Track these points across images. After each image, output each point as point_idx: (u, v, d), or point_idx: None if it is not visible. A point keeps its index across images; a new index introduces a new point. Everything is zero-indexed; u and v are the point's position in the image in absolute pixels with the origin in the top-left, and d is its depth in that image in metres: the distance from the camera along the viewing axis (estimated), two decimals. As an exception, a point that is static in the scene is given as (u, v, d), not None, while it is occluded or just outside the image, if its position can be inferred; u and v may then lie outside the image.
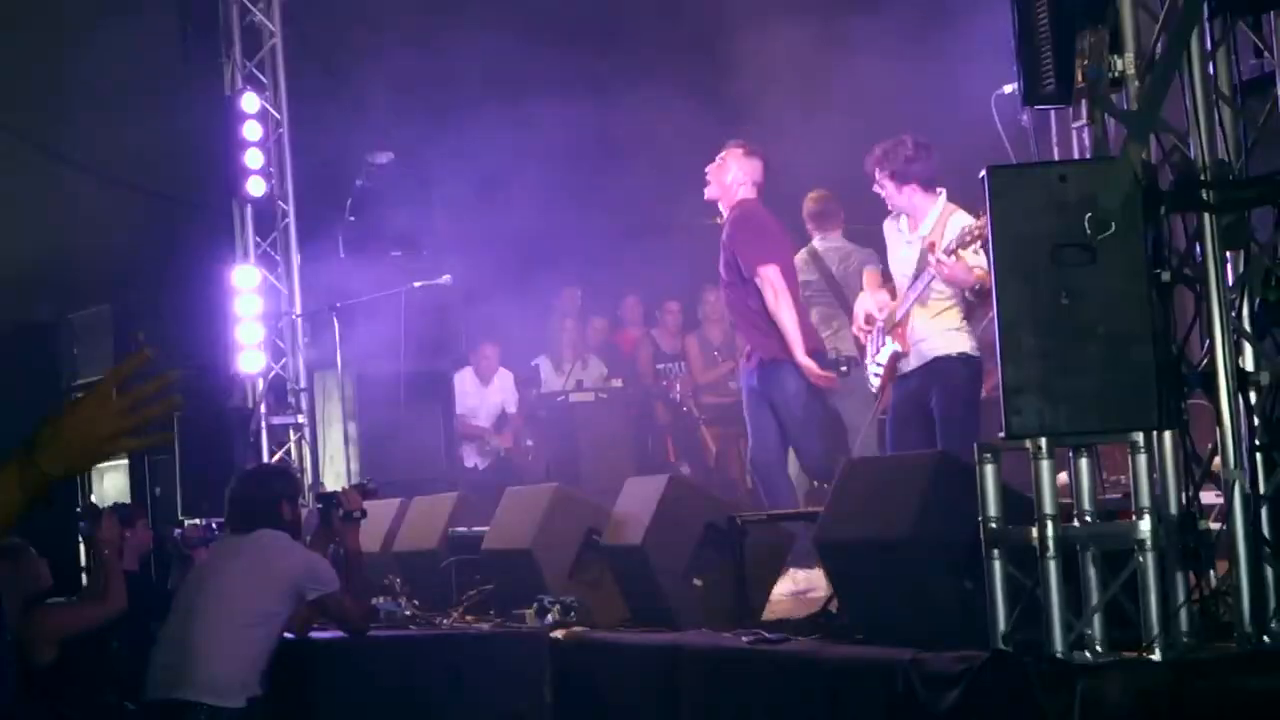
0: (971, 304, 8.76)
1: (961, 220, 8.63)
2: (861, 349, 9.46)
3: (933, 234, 8.74)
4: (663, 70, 13.88)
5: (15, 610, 7.68)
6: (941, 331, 8.80)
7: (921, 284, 8.76)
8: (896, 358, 8.95)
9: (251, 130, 13.06)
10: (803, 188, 11.49)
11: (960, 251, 8.42)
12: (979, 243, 8.17)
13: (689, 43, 13.82)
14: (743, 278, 9.63)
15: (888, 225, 9.16)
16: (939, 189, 8.87)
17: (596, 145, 13.49)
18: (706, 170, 9.89)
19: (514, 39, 13.46)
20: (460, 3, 12.69)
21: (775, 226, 9.85)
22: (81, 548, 13.34)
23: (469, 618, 8.93)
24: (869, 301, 9.24)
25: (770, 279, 9.48)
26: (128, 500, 12.74)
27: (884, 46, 11.56)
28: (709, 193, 9.90)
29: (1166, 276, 5.65)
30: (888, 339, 8.97)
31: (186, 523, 9.48)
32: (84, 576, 13.13)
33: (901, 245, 9.04)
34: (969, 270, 8.51)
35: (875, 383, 9.17)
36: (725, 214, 9.87)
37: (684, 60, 13.92)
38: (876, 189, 8.99)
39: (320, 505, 8.19)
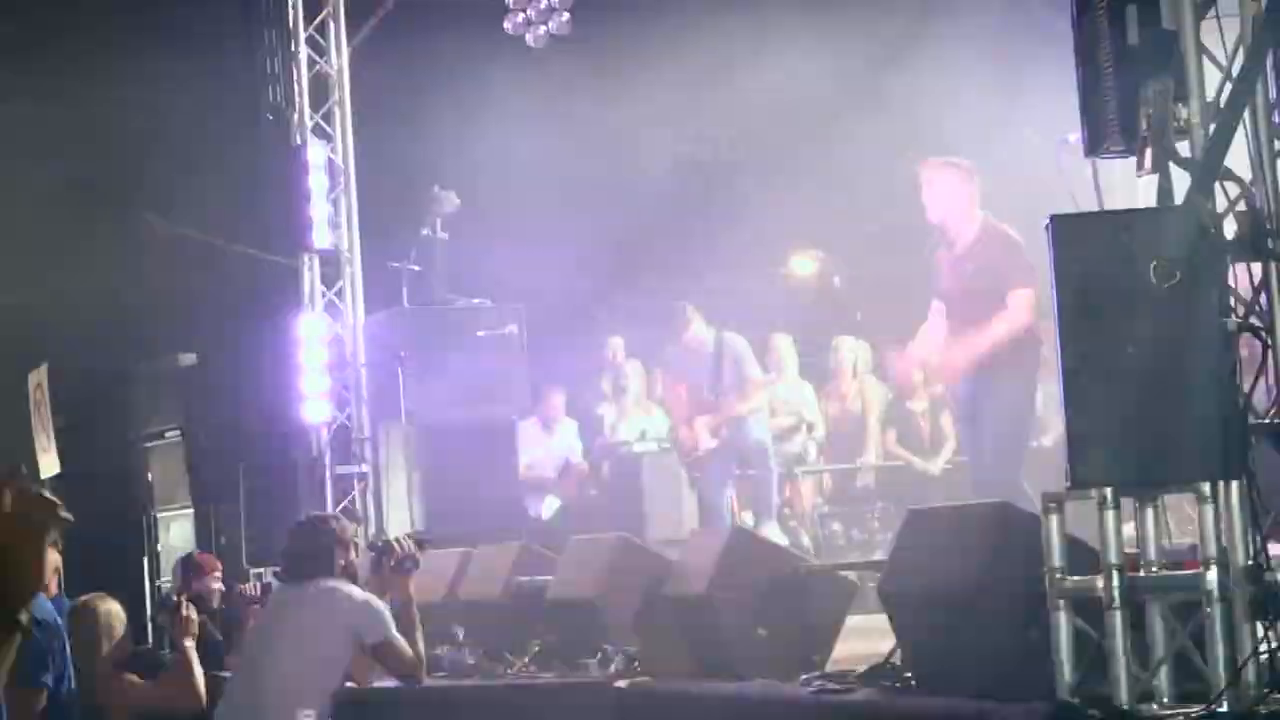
0: None
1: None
2: None
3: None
4: (730, 119, 13.92)
5: (93, 671, 7.83)
6: None
7: None
8: None
9: (317, 181, 13.14)
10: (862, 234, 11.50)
11: None
12: None
13: (750, 94, 13.84)
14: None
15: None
16: None
17: (662, 193, 13.54)
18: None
19: (583, 92, 13.53)
20: (523, 51, 12.75)
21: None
22: (151, 605, 13.45)
23: (533, 668, 8.93)
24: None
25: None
26: (194, 549, 12.82)
27: (951, 93, 11.57)
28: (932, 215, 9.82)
29: (1232, 325, 5.61)
30: None
31: (241, 586, 9.51)
32: (150, 631, 13.25)
33: None
34: None
35: None
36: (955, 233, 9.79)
37: (748, 110, 13.95)
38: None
39: (373, 554, 8.21)
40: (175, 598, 8.83)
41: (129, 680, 8.11)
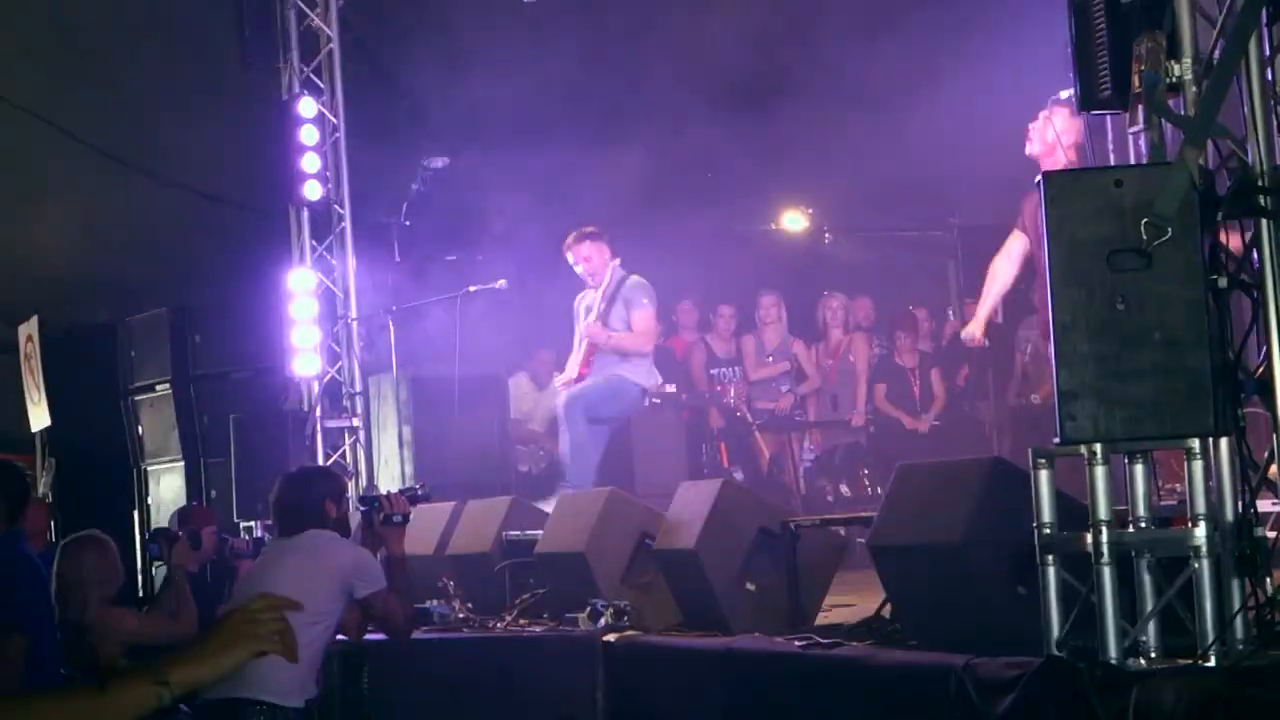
0: None
1: None
2: None
3: None
4: (721, 76, 13.90)
5: (93, 601, 7.93)
6: None
7: None
8: None
9: (308, 134, 13.12)
10: (853, 197, 11.50)
11: None
12: None
13: (747, 54, 13.82)
14: None
15: None
16: None
17: (653, 151, 13.52)
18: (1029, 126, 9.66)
19: (571, 45, 13.50)
20: (518, 8, 12.73)
21: None
22: (141, 559, 13.47)
23: (522, 621, 8.96)
24: None
25: None
26: (183, 503, 12.83)
27: (940, 49, 11.55)
28: (1030, 149, 9.61)
29: (1223, 282, 5.62)
30: None
31: (232, 539, 9.52)
32: (140, 581, 13.27)
33: None
34: None
35: None
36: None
37: (741, 71, 13.93)
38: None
39: (364, 508, 8.22)
40: (171, 530, 8.86)
41: (121, 613, 8.14)
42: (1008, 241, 9.77)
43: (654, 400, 13.07)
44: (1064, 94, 8.03)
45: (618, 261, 11.65)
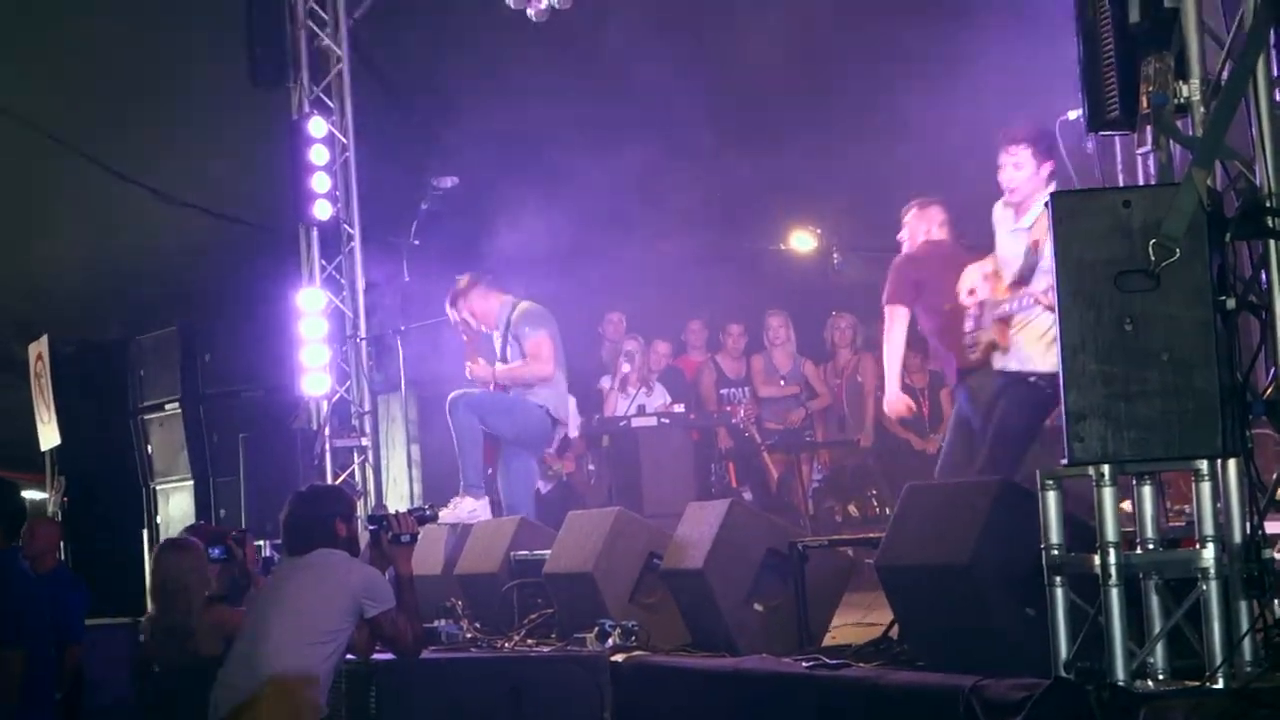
0: None
1: None
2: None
3: (1036, 230, 8.52)
4: (730, 95, 13.93)
5: (198, 601, 8.30)
6: (1032, 350, 8.58)
7: (1019, 304, 8.60)
8: (993, 348, 8.76)
9: (318, 154, 13.15)
10: (861, 211, 11.51)
11: None
12: None
13: (756, 75, 13.84)
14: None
15: (998, 208, 8.95)
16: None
17: (661, 170, 13.53)
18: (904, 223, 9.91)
19: (581, 65, 13.52)
20: (525, 27, 12.74)
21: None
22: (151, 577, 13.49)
23: (530, 641, 8.96)
24: (976, 275, 9.01)
25: None
26: (192, 521, 12.84)
27: (948, 68, 11.55)
28: (908, 247, 9.90)
29: (1231, 303, 5.61)
30: (993, 324, 8.78)
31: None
32: (150, 597, 13.29)
33: (1007, 232, 8.83)
34: None
35: (972, 357, 9.06)
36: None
37: (749, 87, 13.95)
38: (1006, 167, 8.73)
39: (372, 527, 8.23)
40: (236, 533, 9.00)
41: (222, 610, 8.36)
42: (888, 320, 9.80)
43: (663, 420, 13.08)
44: (1071, 114, 8.00)
45: (508, 297, 11.41)
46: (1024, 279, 8.60)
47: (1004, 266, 8.82)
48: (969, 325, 8.96)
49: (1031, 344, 8.57)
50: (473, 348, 11.40)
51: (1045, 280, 8.30)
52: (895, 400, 10.02)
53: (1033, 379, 8.55)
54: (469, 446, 10.96)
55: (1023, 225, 8.70)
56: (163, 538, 13.81)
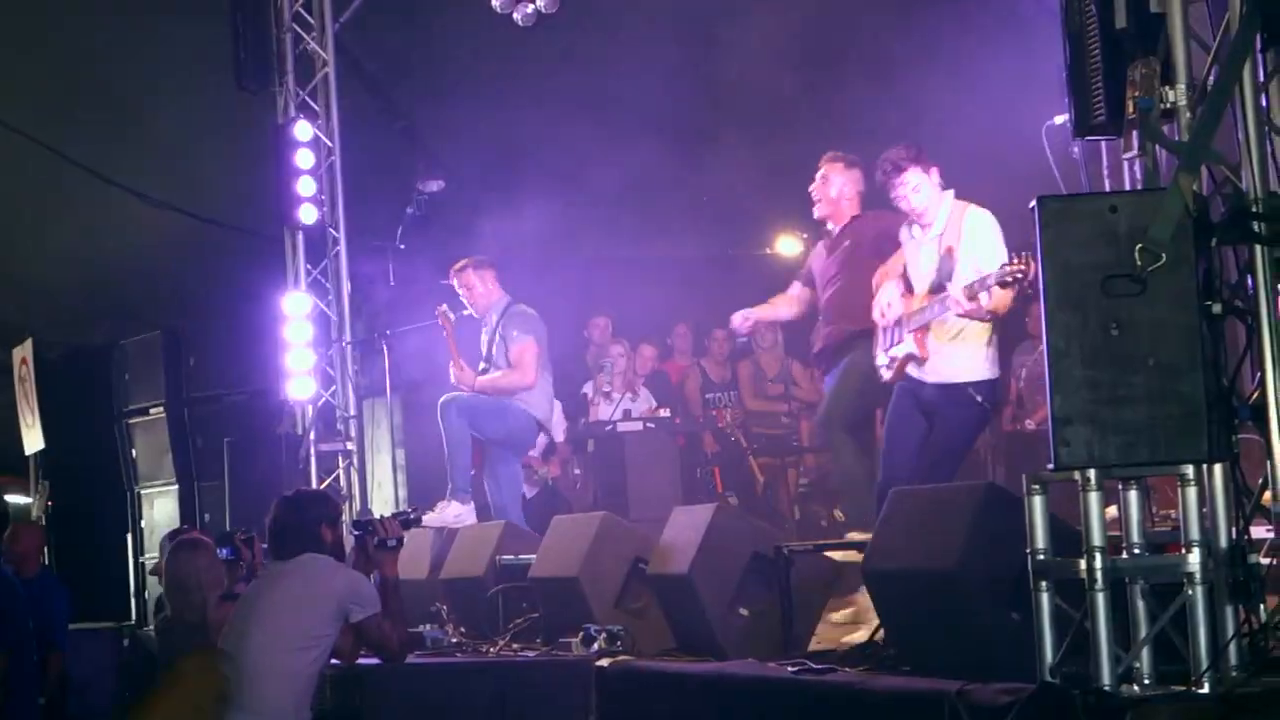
0: (989, 325, 8.60)
1: (980, 224, 8.52)
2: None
3: (948, 235, 8.60)
4: (716, 101, 13.93)
5: (212, 599, 8.32)
6: (965, 357, 8.61)
7: (938, 307, 8.57)
8: (910, 359, 8.75)
9: (304, 158, 13.13)
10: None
11: (981, 293, 8.23)
12: (1021, 283, 8.00)
13: (742, 78, 13.84)
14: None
15: (903, 235, 8.97)
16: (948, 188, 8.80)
17: (648, 174, 13.53)
18: (810, 190, 9.88)
19: (566, 68, 13.52)
20: (513, 31, 12.74)
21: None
22: (135, 580, 13.44)
23: (515, 646, 8.95)
24: (893, 293, 8.99)
25: None
26: (177, 526, 12.81)
27: (934, 75, 11.57)
28: (818, 211, 9.89)
29: (1217, 308, 5.61)
30: (906, 336, 8.77)
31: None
32: (134, 607, 13.27)
33: (918, 249, 8.84)
34: (982, 310, 8.33)
35: (887, 376, 9.05)
36: (836, 230, 9.84)
37: (736, 92, 13.95)
38: (900, 188, 8.73)
39: (357, 532, 8.22)
40: (241, 534, 8.99)
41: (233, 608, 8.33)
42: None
43: (648, 425, 13.07)
44: (1058, 119, 8.00)
45: (506, 296, 11.45)
46: (941, 286, 8.62)
47: (918, 279, 8.86)
48: (884, 344, 8.99)
49: (949, 346, 8.62)
50: (454, 345, 11.38)
51: (959, 283, 8.39)
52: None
53: (972, 391, 8.60)
54: (458, 451, 10.94)
55: (933, 235, 8.73)
56: (147, 542, 13.81)
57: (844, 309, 9.66)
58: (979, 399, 8.63)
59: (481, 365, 11.32)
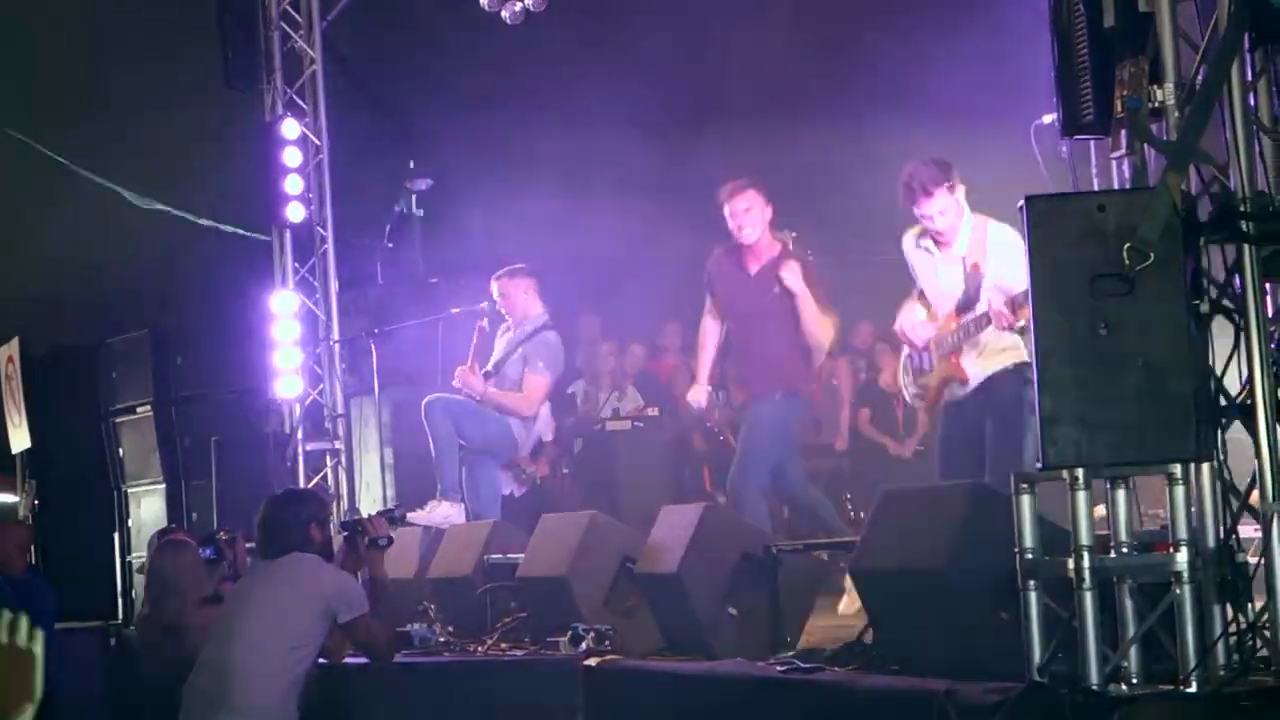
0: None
1: (1005, 239, 8.21)
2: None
3: (973, 253, 8.38)
4: (705, 97, 13.93)
5: (192, 599, 8.41)
6: (996, 356, 8.39)
7: (973, 326, 8.35)
8: (947, 383, 8.56)
9: (291, 156, 13.10)
10: (834, 215, 11.50)
11: (1022, 306, 7.82)
12: None
13: (732, 77, 13.85)
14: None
15: (909, 244, 8.71)
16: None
17: (637, 173, 13.53)
18: (737, 214, 9.81)
19: (556, 67, 13.51)
20: (502, 29, 12.72)
21: None
22: (122, 580, 13.42)
23: (503, 645, 8.94)
24: (915, 315, 8.80)
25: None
26: (164, 525, 12.78)
27: (922, 74, 11.57)
28: (749, 237, 9.80)
29: (1205, 307, 5.62)
30: (938, 361, 8.58)
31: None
32: (120, 606, 13.24)
33: (937, 265, 8.59)
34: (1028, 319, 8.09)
35: (919, 404, 8.93)
36: (755, 261, 9.84)
37: (724, 89, 13.96)
38: (927, 207, 8.44)
39: (346, 533, 8.20)
40: (226, 534, 8.99)
41: (212, 610, 8.34)
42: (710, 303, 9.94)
43: (637, 424, 13.06)
44: (1046, 118, 8.00)
45: (543, 315, 11.42)
46: (969, 304, 8.42)
47: (941, 300, 8.61)
48: (909, 375, 8.84)
49: (988, 354, 8.40)
50: (475, 350, 11.39)
51: (998, 295, 8.18)
52: (697, 391, 10.17)
53: (1011, 368, 8.31)
54: (446, 451, 10.92)
55: (955, 254, 8.49)
56: (134, 541, 13.78)
57: (767, 358, 9.70)
58: (1013, 367, 8.30)
59: (488, 368, 11.30)
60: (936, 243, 8.55)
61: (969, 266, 8.43)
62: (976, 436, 8.42)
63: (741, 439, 9.91)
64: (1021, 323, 8.04)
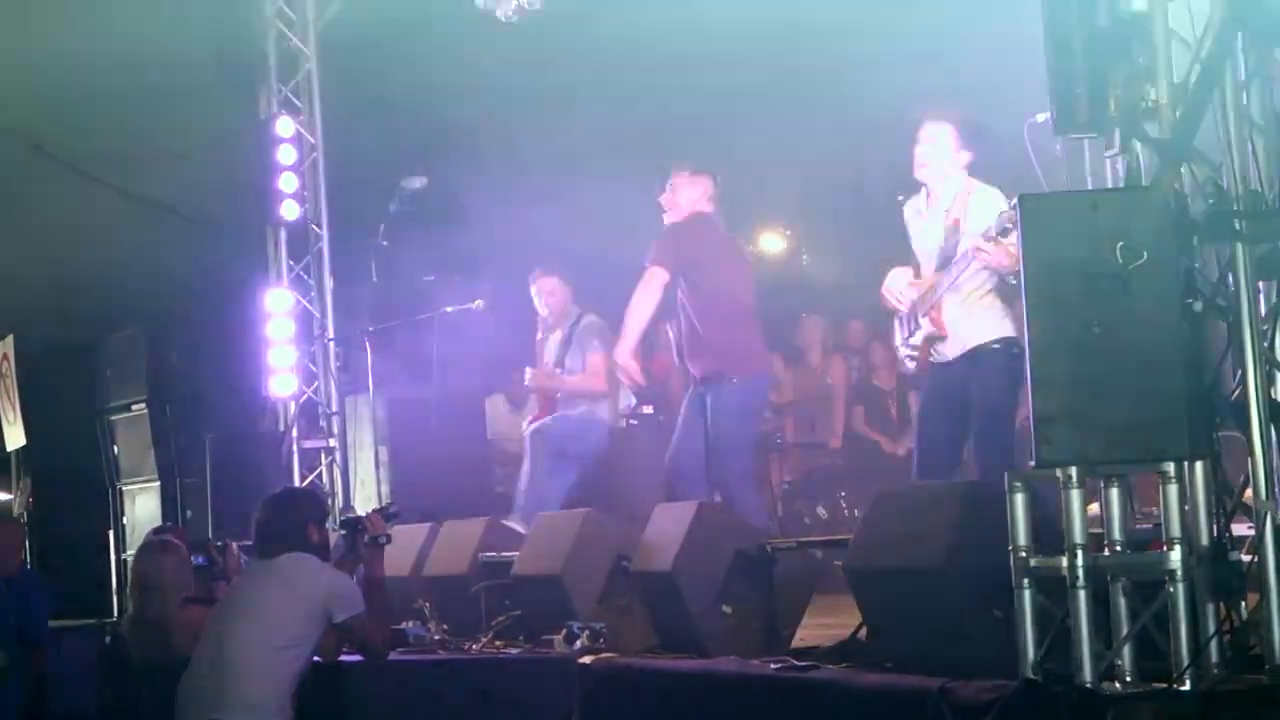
0: (1014, 287, 8.31)
1: (987, 198, 8.26)
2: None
3: (954, 210, 8.37)
4: (701, 96, 13.92)
5: (175, 599, 8.36)
6: (980, 317, 8.33)
7: (957, 269, 8.31)
8: (931, 341, 8.50)
9: (286, 154, 13.10)
10: (830, 212, 11.49)
11: (1000, 238, 7.90)
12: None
13: (724, 74, 13.83)
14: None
15: (908, 209, 8.73)
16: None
17: (631, 169, 13.52)
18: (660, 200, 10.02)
19: (551, 66, 13.49)
20: (498, 28, 12.72)
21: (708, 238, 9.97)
22: (117, 578, 13.42)
23: (498, 643, 8.94)
24: (901, 279, 8.78)
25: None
26: (159, 523, 12.78)
27: (918, 69, 11.57)
28: (672, 217, 10.00)
29: (1198, 306, 5.63)
30: (922, 320, 8.54)
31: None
32: (115, 603, 13.24)
33: (922, 224, 8.61)
34: (1010, 255, 7.80)
35: (911, 366, 8.90)
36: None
37: (720, 88, 13.95)
38: (922, 141, 8.52)
39: (344, 531, 8.20)
40: (219, 542, 9.01)
41: (198, 610, 8.33)
42: (645, 279, 9.89)
43: (631, 422, 13.09)
44: (1040, 117, 7.99)
45: (575, 306, 11.82)
46: (947, 261, 8.39)
47: (926, 258, 8.61)
48: (902, 335, 8.78)
49: (965, 310, 8.35)
50: (541, 350, 11.91)
51: (974, 239, 8.11)
52: (624, 361, 10.12)
53: (996, 345, 8.29)
54: (547, 486, 11.27)
55: (940, 210, 8.48)
56: (129, 539, 13.78)
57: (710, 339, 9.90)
58: (998, 345, 8.27)
59: (556, 370, 11.73)
60: (928, 198, 8.58)
61: (950, 221, 8.43)
62: (958, 412, 8.39)
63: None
64: (997, 251, 8.00)
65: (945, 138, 8.51)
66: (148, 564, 8.63)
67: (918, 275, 8.70)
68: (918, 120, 8.62)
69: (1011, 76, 8.46)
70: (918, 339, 8.60)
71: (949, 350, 8.47)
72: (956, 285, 8.35)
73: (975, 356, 8.36)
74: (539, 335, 12.03)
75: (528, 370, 11.76)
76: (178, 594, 8.45)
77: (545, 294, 11.81)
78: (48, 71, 13.88)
